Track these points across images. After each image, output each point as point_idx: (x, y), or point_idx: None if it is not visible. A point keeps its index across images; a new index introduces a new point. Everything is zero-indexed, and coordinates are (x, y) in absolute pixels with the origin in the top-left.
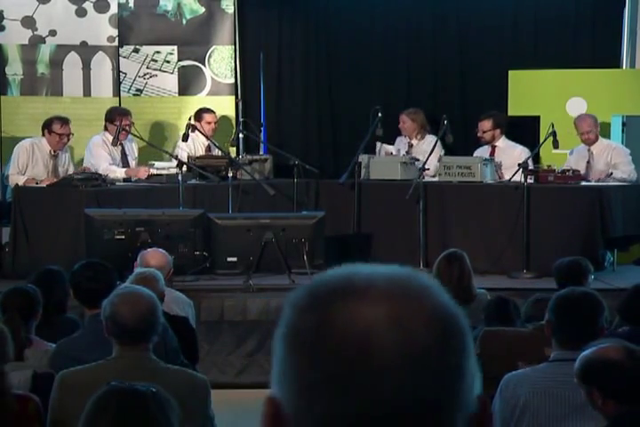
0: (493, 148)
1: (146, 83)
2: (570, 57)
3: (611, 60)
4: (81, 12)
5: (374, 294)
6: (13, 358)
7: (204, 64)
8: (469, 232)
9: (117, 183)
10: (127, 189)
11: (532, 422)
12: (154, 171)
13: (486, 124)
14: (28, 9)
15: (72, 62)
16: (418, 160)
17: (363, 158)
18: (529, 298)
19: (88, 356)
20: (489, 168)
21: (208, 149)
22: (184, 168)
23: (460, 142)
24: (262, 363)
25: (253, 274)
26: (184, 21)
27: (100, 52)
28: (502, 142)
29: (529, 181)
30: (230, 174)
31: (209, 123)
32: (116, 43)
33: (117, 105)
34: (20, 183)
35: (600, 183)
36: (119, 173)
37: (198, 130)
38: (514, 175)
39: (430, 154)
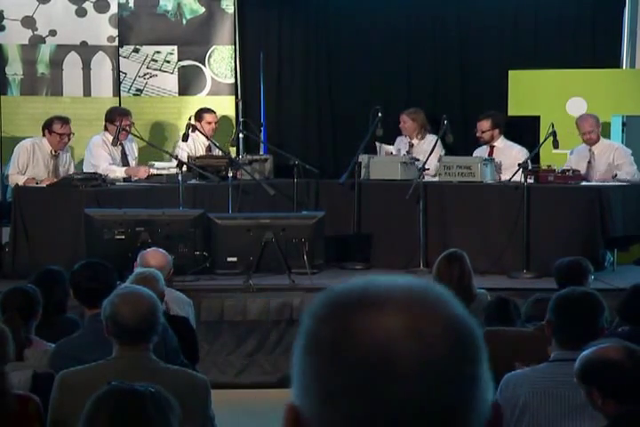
0: (492, 148)
1: (146, 83)
2: (570, 57)
3: (611, 60)
4: (81, 12)
5: (392, 305)
6: (14, 359)
7: (204, 64)
8: (469, 232)
9: (117, 183)
10: (127, 189)
11: (532, 422)
12: (154, 171)
13: (485, 125)
14: (27, 9)
15: (72, 62)
16: (418, 160)
17: (363, 158)
18: (529, 298)
19: (88, 356)
20: (489, 168)
21: (208, 149)
22: (184, 168)
23: (460, 142)
24: (262, 363)
25: (253, 274)
26: (184, 21)
27: (100, 51)
28: (501, 142)
29: (529, 181)
30: (230, 174)
31: (209, 123)
32: (116, 43)
33: (117, 105)
34: (20, 183)
35: (600, 183)
36: (119, 172)
37: (198, 130)
38: (514, 175)
39: (430, 154)
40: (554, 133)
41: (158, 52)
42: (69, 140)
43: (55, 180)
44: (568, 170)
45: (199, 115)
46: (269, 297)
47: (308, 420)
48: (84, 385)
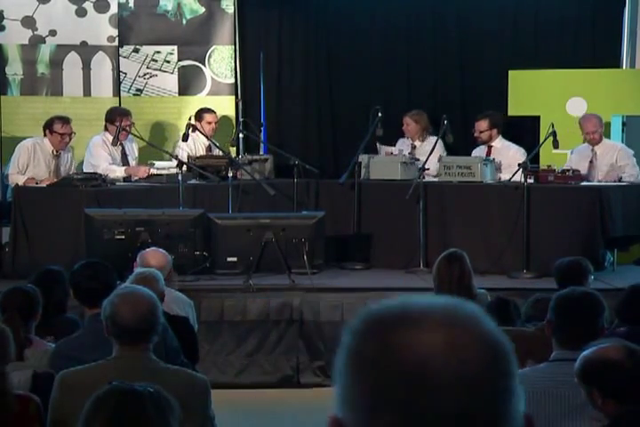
0: (489, 148)
1: (146, 83)
2: (570, 57)
3: (611, 60)
4: (81, 12)
5: (430, 322)
6: (14, 359)
7: (203, 64)
8: (469, 232)
9: (117, 183)
10: (127, 189)
11: None
12: (154, 171)
13: (483, 125)
14: (27, 9)
15: (72, 62)
16: (418, 160)
17: (363, 158)
18: (529, 298)
19: (88, 356)
20: (489, 168)
21: (209, 148)
22: (184, 168)
23: (460, 142)
24: (262, 363)
25: (253, 274)
26: (184, 21)
27: (100, 51)
28: (499, 142)
29: (529, 181)
30: (230, 174)
31: (209, 123)
32: (116, 43)
33: (117, 105)
34: (20, 183)
35: (600, 183)
36: (119, 171)
37: (198, 130)
38: (514, 175)
39: (430, 154)
40: (554, 133)
41: (158, 52)
42: (70, 139)
43: (55, 180)
44: (568, 170)
45: (199, 115)
46: (269, 297)
47: None
48: (84, 385)
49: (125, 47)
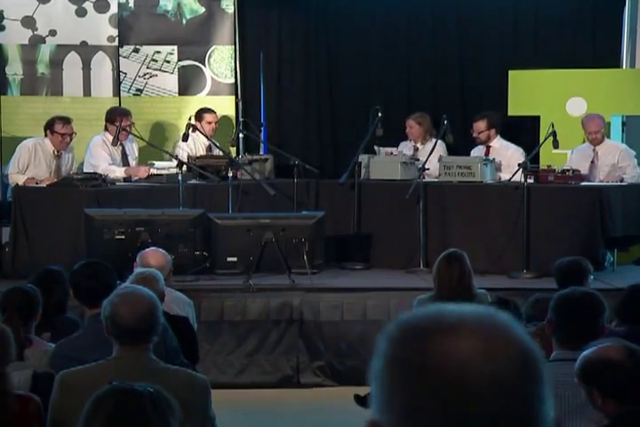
0: (488, 148)
1: (146, 83)
2: (570, 57)
3: (611, 60)
4: (81, 12)
5: (465, 330)
6: (15, 359)
7: (204, 64)
8: (469, 232)
9: (117, 183)
10: (127, 189)
11: None
12: (154, 171)
13: (481, 125)
14: (27, 9)
15: (72, 62)
16: (418, 160)
17: (363, 158)
18: (529, 298)
19: (88, 356)
20: (489, 168)
21: (209, 148)
22: (184, 168)
23: (460, 142)
24: (262, 363)
25: (253, 274)
26: (184, 21)
27: (100, 51)
28: (497, 142)
29: (529, 181)
30: (230, 174)
31: (209, 123)
32: (116, 43)
33: (117, 105)
34: (20, 183)
35: (600, 183)
36: (119, 172)
37: (198, 130)
38: (514, 175)
39: (430, 154)
40: (554, 133)
41: (158, 52)
42: (72, 140)
43: (55, 179)
44: (568, 170)
45: (199, 115)
46: (269, 297)
47: None
48: (84, 385)
49: (125, 47)
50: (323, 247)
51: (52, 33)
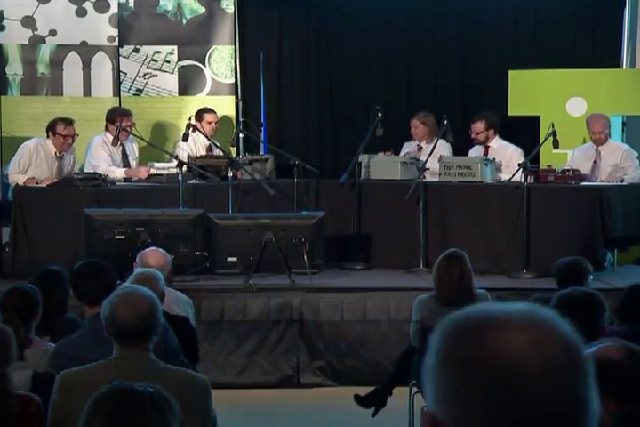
0: (487, 148)
1: (146, 83)
2: (570, 57)
3: (611, 60)
4: (81, 12)
5: (514, 324)
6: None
7: (204, 64)
8: (469, 232)
9: (117, 183)
10: (127, 189)
11: None
12: (154, 171)
13: (479, 126)
14: (28, 9)
15: (72, 62)
16: (418, 160)
17: (363, 158)
18: (529, 298)
19: (88, 356)
20: (489, 168)
21: (209, 148)
22: (184, 168)
23: (460, 142)
24: (262, 363)
25: (253, 274)
26: (184, 21)
27: (100, 51)
28: (495, 143)
29: (529, 181)
30: (230, 174)
31: (210, 123)
32: (116, 43)
33: (117, 105)
34: (20, 183)
35: (600, 183)
36: (119, 173)
37: (198, 130)
38: (514, 175)
39: (431, 154)
40: (554, 133)
41: (158, 52)
42: (73, 141)
43: (56, 180)
44: (568, 170)
45: (200, 115)
46: (269, 297)
47: (446, 423)
48: (85, 386)
49: (125, 47)
50: (323, 247)
51: (52, 33)
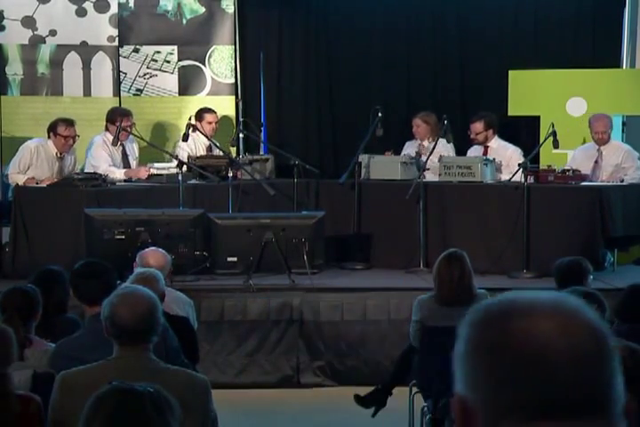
0: (486, 148)
1: (146, 83)
2: (570, 57)
3: (611, 60)
4: (81, 12)
5: (542, 311)
6: (17, 359)
7: (204, 64)
8: (469, 232)
9: (117, 183)
10: (127, 189)
11: None
12: (154, 171)
13: (478, 127)
14: (28, 9)
15: (72, 62)
16: (420, 156)
17: (363, 158)
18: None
19: (88, 356)
20: (489, 168)
21: (209, 148)
22: (184, 168)
23: (461, 142)
24: (262, 363)
25: (253, 274)
26: (184, 21)
27: (100, 51)
28: (494, 143)
29: (529, 181)
30: (230, 174)
31: (210, 123)
32: (116, 43)
33: (117, 105)
34: (21, 182)
35: (600, 183)
36: (118, 174)
37: (198, 130)
38: (514, 175)
39: (431, 153)
40: (554, 133)
41: (158, 52)
42: (74, 142)
43: (56, 180)
44: (568, 170)
45: (200, 115)
46: (269, 297)
47: (475, 408)
48: (85, 386)
49: (125, 47)
50: (323, 247)
51: (52, 33)
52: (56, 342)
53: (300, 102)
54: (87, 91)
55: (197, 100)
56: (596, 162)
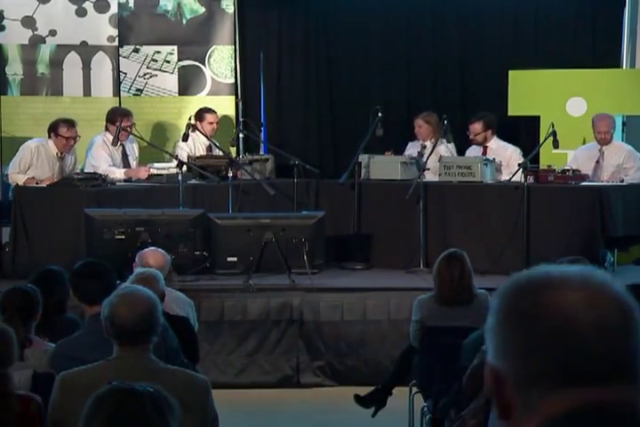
0: (485, 148)
1: (146, 83)
2: (570, 57)
3: (611, 60)
4: (81, 12)
5: (571, 284)
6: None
7: (204, 64)
8: (469, 232)
9: (117, 183)
10: (127, 189)
11: None
12: (154, 171)
13: (477, 127)
14: (28, 9)
15: (72, 62)
16: (422, 155)
17: (363, 158)
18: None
19: (88, 356)
20: (489, 168)
21: (209, 148)
22: (184, 168)
23: (460, 142)
24: (262, 363)
25: (253, 274)
26: (184, 21)
27: (100, 51)
28: (494, 143)
29: (529, 181)
30: (230, 174)
31: (210, 123)
32: (116, 43)
33: (117, 105)
34: (21, 182)
35: (600, 183)
36: (118, 174)
37: (198, 130)
38: (514, 175)
39: (431, 153)
40: (554, 133)
41: (158, 52)
42: (75, 142)
43: (56, 180)
44: (568, 170)
45: (200, 115)
46: (269, 297)
47: (506, 376)
48: (85, 386)
49: (125, 47)
50: (323, 247)
51: (52, 33)
52: (56, 342)
53: (300, 102)
54: (87, 91)
55: (197, 100)
56: (598, 162)
